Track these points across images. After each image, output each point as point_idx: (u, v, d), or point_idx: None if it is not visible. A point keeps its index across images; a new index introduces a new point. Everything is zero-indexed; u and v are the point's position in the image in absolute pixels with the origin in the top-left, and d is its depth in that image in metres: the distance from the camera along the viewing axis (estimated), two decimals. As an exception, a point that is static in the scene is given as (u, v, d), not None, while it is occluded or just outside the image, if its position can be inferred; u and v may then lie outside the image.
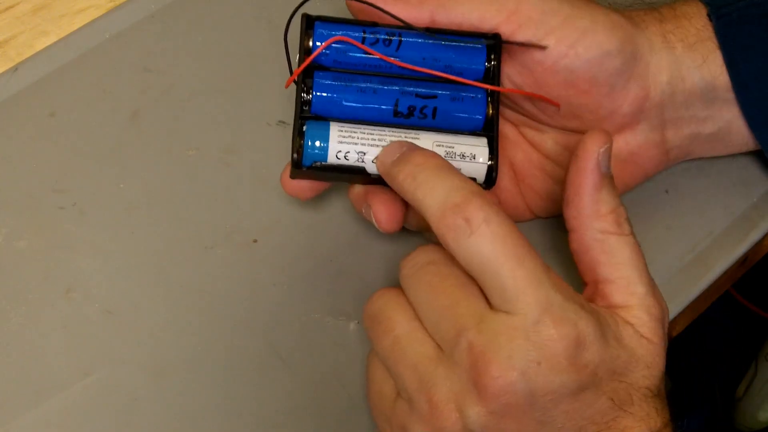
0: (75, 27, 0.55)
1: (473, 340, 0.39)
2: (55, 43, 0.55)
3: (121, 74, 0.54)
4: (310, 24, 0.43)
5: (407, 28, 0.44)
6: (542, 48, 0.44)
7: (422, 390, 0.40)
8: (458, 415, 0.39)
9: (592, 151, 0.42)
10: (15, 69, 0.54)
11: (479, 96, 0.45)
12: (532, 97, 0.46)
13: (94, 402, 0.46)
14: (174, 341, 0.48)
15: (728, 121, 0.48)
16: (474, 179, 0.44)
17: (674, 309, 0.49)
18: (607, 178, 0.42)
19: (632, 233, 0.43)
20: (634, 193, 0.50)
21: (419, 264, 0.42)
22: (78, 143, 0.52)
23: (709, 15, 0.47)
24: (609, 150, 0.42)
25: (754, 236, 0.51)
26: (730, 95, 0.47)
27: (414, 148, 0.42)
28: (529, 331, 0.39)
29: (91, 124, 0.53)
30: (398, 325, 0.42)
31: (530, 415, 0.39)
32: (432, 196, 0.40)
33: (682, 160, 0.51)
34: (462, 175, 0.41)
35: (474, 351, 0.39)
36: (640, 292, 0.42)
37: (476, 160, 0.44)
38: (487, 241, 0.39)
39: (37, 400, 0.46)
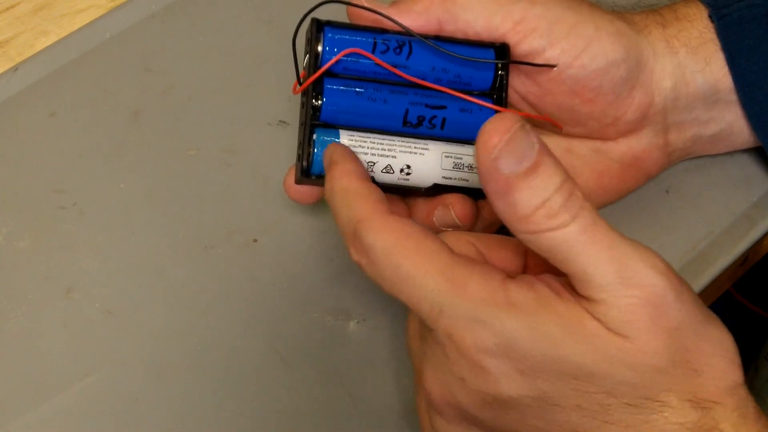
0: (75, 27, 0.55)
1: (423, 352, 0.39)
2: (56, 43, 0.55)
3: (121, 74, 0.54)
4: (319, 28, 0.43)
5: (411, 35, 0.44)
6: (551, 67, 0.44)
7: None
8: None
9: (483, 155, 0.35)
10: (15, 69, 0.54)
11: (487, 107, 0.45)
12: (535, 111, 0.47)
13: (94, 402, 0.46)
14: (174, 341, 0.48)
15: (730, 122, 0.48)
16: (480, 190, 0.44)
17: (674, 309, 0.49)
18: (516, 176, 0.35)
19: (576, 217, 0.36)
20: (634, 193, 0.50)
21: None
22: (78, 143, 0.52)
23: (710, 16, 0.47)
24: (514, 139, 0.35)
25: (754, 235, 0.51)
26: (733, 97, 0.47)
27: (332, 165, 0.41)
28: (445, 344, 0.37)
29: (92, 124, 0.53)
30: (408, 330, 0.42)
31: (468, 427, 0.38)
32: (338, 224, 0.40)
33: (684, 159, 0.51)
34: (362, 193, 0.39)
35: (420, 363, 0.40)
36: (599, 284, 0.35)
37: None
38: (375, 271, 0.38)
39: (37, 400, 0.46)
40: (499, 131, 0.35)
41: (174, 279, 0.49)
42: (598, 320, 0.36)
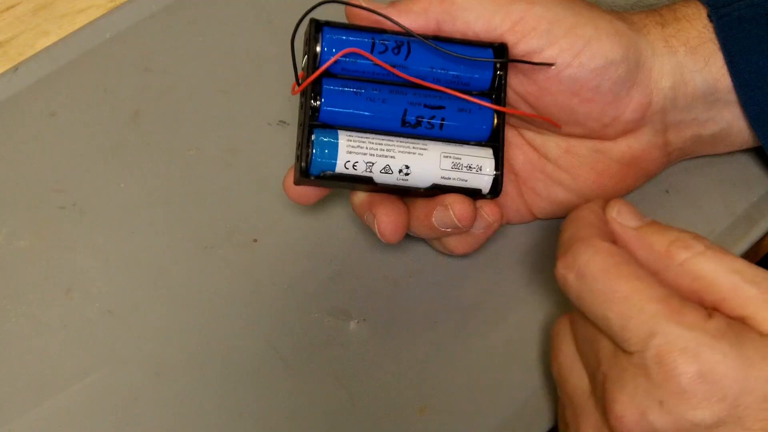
0: (75, 27, 0.55)
1: (605, 375, 0.39)
2: (56, 43, 0.55)
3: (121, 74, 0.54)
4: (318, 29, 0.43)
5: (410, 36, 0.44)
6: (549, 65, 0.44)
7: (573, 424, 0.41)
8: None
9: (615, 225, 0.42)
10: (15, 69, 0.54)
11: (486, 107, 0.45)
12: (534, 110, 0.47)
13: (94, 402, 0.46)
14: (174, 341, 0.48)
15: (729, 122, 0.48)
16: (479, 190, 0.44)
17: (675, 309, 0.49)
18: (642, 227, 0.41)
19: (709, 246, 0.40)
20: (634, 192, 0.50)
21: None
22: (78, 143, 0.52)
23: (709, 16, 0.47)
24: (624, 206, 0.42)
25: (754, 235, 0.51)
26: (732, 96, 0.47)
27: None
28: (650, 368, 0.37)
29: (92, 124, 0.53)
30: (561, 353, 0.43)
31: None
32: (560, 240, 0.41)
33: (683, 159, 0.51)
34: (593, 223, 0.41)
35: (604, 388, 0.39)
36: (754, 294, 0.38)
37: (482, 171, 0.44)
38: (584, 286, 0.39)
39: (37, 400, 0.46)
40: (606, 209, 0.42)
41: (174, 279, 0.49)
42: None
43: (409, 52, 0.44)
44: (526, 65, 0.45)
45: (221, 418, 0.47)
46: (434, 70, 0.44)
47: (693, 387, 0.36)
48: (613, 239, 0.41)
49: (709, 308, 0.39)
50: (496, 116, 0.45)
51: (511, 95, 0.46)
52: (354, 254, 0.50)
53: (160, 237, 0.50)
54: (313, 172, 0.43)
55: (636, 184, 0.49)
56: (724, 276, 0.39)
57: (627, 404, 0.38)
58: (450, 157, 0.44)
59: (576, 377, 0.42)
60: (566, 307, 0.43)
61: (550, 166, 0.48)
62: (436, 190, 0.44)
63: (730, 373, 0.36)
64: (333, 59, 0.43)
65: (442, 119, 0.44)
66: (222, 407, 0.47)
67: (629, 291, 0.38)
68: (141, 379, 0.47)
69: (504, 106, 0.45)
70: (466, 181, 0.44)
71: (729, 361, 0.37)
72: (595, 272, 0.39)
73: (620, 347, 0.38)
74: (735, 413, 0.37)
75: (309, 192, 0.46)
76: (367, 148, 0.43)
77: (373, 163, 0.43)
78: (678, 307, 0.38)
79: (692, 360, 0.37)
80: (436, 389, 0.48)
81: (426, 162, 0.44)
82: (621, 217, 0.42)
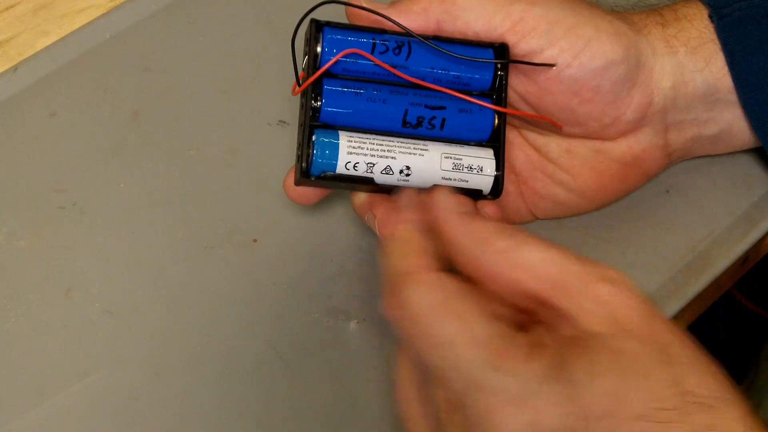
0: (75, 27, 0.55)
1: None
2: (56, 42, 0.55)
3: (121, 74, 0.54)
4: (318, 29, 0.43)
5: (410, 36, 0.44)
6: (550, 66, 0.44)
7: None
8: None
9: (438, 206, 0.40)
10: (15, 69, 0.54)
11: (487, 108, 0.45)
12: (534, 111, 0.47)
13: (94, 402, 0.46)
14: (174, 341, 0.48)
15: (730, 122, 0.48)
16: (480, 191, 0.44)
17: (675, 308, 0.49)
18: (467, 213, 0.39)
19: (531, 236, 0.38)
20: (634, 193, 0.50)
21: None
22: (78, 143, 0.52)
23: (710, 16, 0.47)
24: (450, 194, 0.40)
25: (754, 235, 0.51)
26: (732, 97, 0.47)
27: (405, 209, 0.41)
28: (481, 424, 0.35)
29: (91, 124, 0.53)
30: (403, 394, 0.40)
31: None
32: (385, 269, 0.39)
33: (684, 159, 0.51)
34: (420, 247, 0.39)
35: None
36: (575, 286, 0.37)
37: (483, 172, 0.44)
38: (410, 329, 0.37)
39: (37, 400, 0.46)
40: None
41: (174, 279, 0.49)
42: None
43: (409, 52, 0.44)
44: (527, 66, 0.45)
45: (221, 418, 0.47)
46: (435, 70, 0.44)
47: None
48: (434, 255, 0.38)
49: (528, 306, 0.37)
50: (496, 117, 0.45)
51: (511, 95, 0.46)
52: (354, 254, 0.50)
53: (160, 237, 0.50)
54: (314, 173, 0.43)
55: (636, 185, 0.49)
56: (543, 266, 0.37)
57: None
58: (451, 157, 0.44)
59: (416, 425, 0.39)
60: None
61: (551, 166, 0.48)
62: None
63: (561, 413, 0.34)
64: (333, 60, 0.43)
65: (443, 120, 0.44)
66: (222, 407, 0.47)
67: (453, 334, 0.35)
68: (141, 379, 0.47)
69: (505, 106, 0.45)
70: (467, 181, 0.44)
71: (558, 400, 0.34)
72: (419, 313, 0.36)
73: (448, 399, 0.36)
74: None
75: (309, 192, 0.46)
76: (367, 149, 0.43)
77: (373, 164, 0.43)
78: (501, 349, 0.35)
79: (519, 411, 0.34)
80: (436, 389, 0.47)
81: (427, 163, 0.44)
82: (446, 202, 0.40)
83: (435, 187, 0.42)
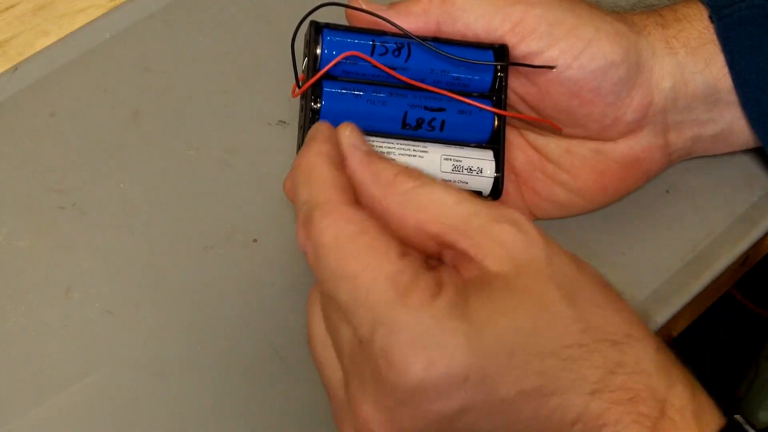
0: (75, 27, 0.55)
1: (347, 370, 0.37)
2: (56, 42, 0.55)
3: (121, 74, 0.54)
4: (318, 31, 0.43)
5: (409, 38, 0.44)
6: (551, 68, 0.44)
7: (336, 421, 0.39)
8: None
9: (343, 143, 0.40)
10: (15, 69, 0.54)
11: (486, 110, 0.45)
12: (534, 112, 0.47)
13: (94, 402, 0.46)
14: (174, 341, 0.48)
15: (730, 122, 0.48)
16: (480, 192, 0.45)
17: (675, 308, 0.49)
18: (371, 153, 0.39)
19: (432, 178, 0.38)
20: (634, 193, 0.50)
21: None
22: (78, 143, 0.52)
23: (710, 17, 0.47)
24: (354, 131, 0.40)
25: (754, 235, 0.51)
26: (732, 97, 0.47)
27: (309, 141, 0.40)
28: (380, 364, 0.34)
29: (91, 124, 0.53)
30: (313, 337, 0.40)
31: None
32: (295, 203, 0.39)
33: (684, 159, 0.51)
34: (328, 177, 0.38)
35: (348, 385, 0.37)
36: (480, 226, 0.36)
37: (483, 173, 0.44)
38: (318, 262, 0.36)
39: (37, 400, 0.46)
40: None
41: (174, 279, 0.49)
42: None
43: (409, 54, 0.44)
44: (527, 67, 0.45)
45: (221, 417, 0.47)
46: (434, 72, 0.44)
47: (427, 381, 0.34)
48: (350, 191, 0.38)
49: (433, 247, 0.37)
50: (496, 118, 0.45)
51: (511, 97, 0.46)
52: (354, 254, 0.50)
53: (160, 237, 0.50)
54: None
55: (637, 185, 0.49)
56: (445, 208, 0.37)
57: (370, 408, 0.35)
58: (450, 159, 0.44)
59: (329, 368, 0.38)
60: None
61: (551, 167, 0.48)
62: None
63: (463, 351, 0.34)
64: (333, 62, 0.43)
65: (443, 121, 0.44)
66: (222, 407, 0.47)
67: (359, 268, 0.35)
68: (141, 379, 0.47)
69: (505, 107, 0.45)
70: (467, 183, 0.44)
71: (460, 339, 0.34)
72: (328, 246, 0.36)
73: (355, 335, 0.35)
74: (485, 388, 0.34)
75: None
76: None
77: None
78: (407, 285, 0.35)
79: (419, 352, 0.34)
80: (436, 389, 0.47)
81: (426, 164, 0.44)
82: (351, 138, 0.39)
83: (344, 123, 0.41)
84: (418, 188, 0.37)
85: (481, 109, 0.45)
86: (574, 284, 0.36)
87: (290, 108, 0.53)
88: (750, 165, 0.52)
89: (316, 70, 0.43)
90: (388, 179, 0.38)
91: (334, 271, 0.36)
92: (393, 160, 0.39)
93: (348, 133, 0.39)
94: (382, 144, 0.43)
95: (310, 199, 0.37)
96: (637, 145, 0.48)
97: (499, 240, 0.36)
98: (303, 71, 0.44)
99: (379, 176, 0.38)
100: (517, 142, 0.49)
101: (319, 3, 0.42)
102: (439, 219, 0.37)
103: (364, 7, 0.43)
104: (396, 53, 0.44)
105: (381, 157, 0.39)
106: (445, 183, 0.38)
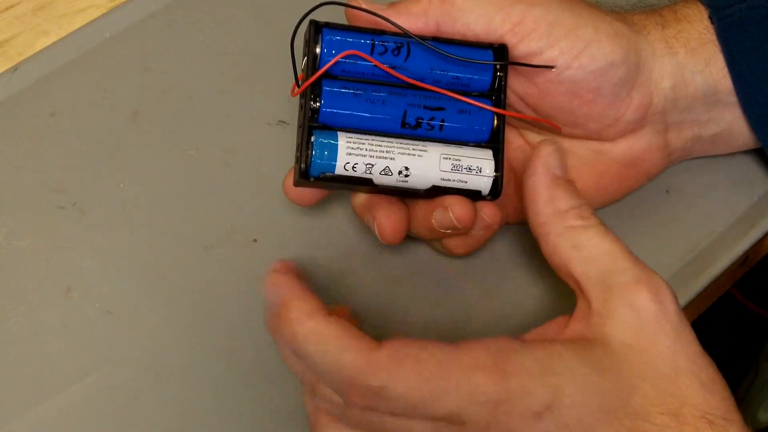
0: (75, 27, 0.55)
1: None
2: (56, 42, 0.55)
3: (121, 74, 0.54)
4: (318, 30, 0.43)
5: (409, 37, 0.44)
6: (550, 68, 0.44)
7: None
8: None
9: (539, 156, 0.43)
10: (15, 69, 0.54)
11: (486, 109, 0.45)
12: (534, 112, 0.47)
13: (94, 402, 0.46)
14: (174, 341, 0.48)
15: (730, 123, 0.48)
16: (479, 192, 0.44)
17: (674, 309, 0.49)
18: (560, 179, 0.43)
19: (601, 223, 0.42)
20: (634, 193, 0.50)
21: None
22: (78, 143, 0.52)
23: (710, 17, 0.47)
24: (557, 152, 0.43)
25: (754, 235, 0.51)
26: (732, 98, 0.47)
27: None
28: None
29: (91, 124, 0.53)
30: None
31: None
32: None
33: (684, 159, 0.51)
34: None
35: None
36: (620, 283, 0.40)
37: (482, 173, 0.44)
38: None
39: (37, 400, 0.46)
40: (549, 143, 0.43)
41: (174, 279, 0.49)
42: None
43: (408, 53, 0.44)
44: (526, 67, 0.45)
45: (221, 417, 0.47)
46: (434, 71, 0.44)
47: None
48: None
49: (570, 281, 0.41)
50: (495, 118, 0.45)
51: (511, 97, 0.46)
52: (354, 254, 0.50)
53: (160, 237, 0.50)
54: (313, 174, 0.43)
55: (636, 185, 0.49)
56: (598, 255, 0.40)
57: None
58: (450, 158, 0.44)
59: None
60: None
61: (551, 167, 0.49)
62: (436, 192, 0.44)
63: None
64: (333, 61, 0.43)
65: (442, 120, 0.44)
66: (222, 407, 0.47)
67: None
68: (141, 379, 0.47)
69: (504, 107, 0.45)
70: (466, 182, 0.44)
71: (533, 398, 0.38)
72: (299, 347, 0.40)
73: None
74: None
75: (308, 193, 0.46)
76: (366, 150, 0.43)
77: (372, 165, 0.43)
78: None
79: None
80: (436, 389, 0.47)
81: (426, 163, 0.44)
82: (552, 157, 0.43)
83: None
84: (581, 228, 0.41)
85: (480, 108, 0.45)
86: (686, 361, 0.39)
87: (290, 108, 0.53)
88: (750, 165, 0.52)
89: (315, 70, 0.43)
90: (561, 209, 0.42)
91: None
92: (574, 190, 0.43)
93: (551, 150, 0.43)
94: (381, 143, 0.43)
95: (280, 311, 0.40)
96: (637, 145, 0.48)
97: (631, 305, 0.39)
98: (302, 70, 0.44)
99: (554, 202, 0.42)
100: (516, 142, 0.49)
101: (319, 2, 0.42)
102: (586, 263, 0.41)
103: (363, 6, 0.43)
104: (395, 52, 0.44)
105: (565, 183, 0.43)
106: (609, 232, 0.41)
